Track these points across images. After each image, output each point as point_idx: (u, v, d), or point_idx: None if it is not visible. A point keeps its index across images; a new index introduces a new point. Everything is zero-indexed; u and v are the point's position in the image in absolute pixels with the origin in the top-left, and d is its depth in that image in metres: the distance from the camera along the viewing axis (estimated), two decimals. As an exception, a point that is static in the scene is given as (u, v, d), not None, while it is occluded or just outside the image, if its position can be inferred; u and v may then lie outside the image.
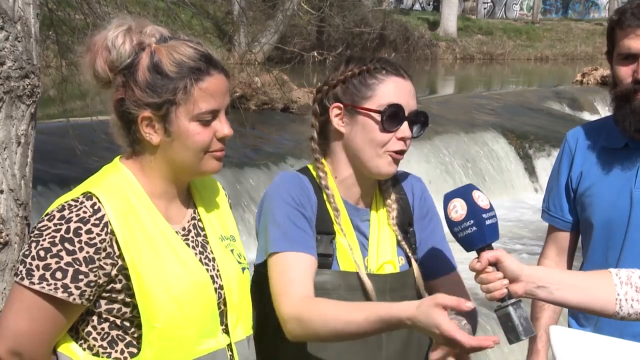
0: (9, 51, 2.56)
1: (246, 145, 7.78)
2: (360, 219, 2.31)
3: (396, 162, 2.27)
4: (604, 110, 14.99)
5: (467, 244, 2.11)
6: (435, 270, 2.38)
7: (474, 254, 2.13)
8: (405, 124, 2.25)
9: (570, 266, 2.88)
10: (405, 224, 2.37)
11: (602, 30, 34.46)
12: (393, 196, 2.36)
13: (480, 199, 2.11)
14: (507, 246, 8.38)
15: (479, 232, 2.08)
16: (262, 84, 10.61)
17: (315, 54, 14.38)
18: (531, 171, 11.51)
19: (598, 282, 2.20)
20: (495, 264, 2.10)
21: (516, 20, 38.48)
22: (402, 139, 2.25)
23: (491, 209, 2.12)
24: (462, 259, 2.32)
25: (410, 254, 2.34)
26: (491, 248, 2.12)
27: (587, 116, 14.44)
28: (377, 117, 2.23)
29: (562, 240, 2.85)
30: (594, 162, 2.74)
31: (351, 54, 2.37)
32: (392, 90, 2.25)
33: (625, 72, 2.59)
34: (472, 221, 2.08)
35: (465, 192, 2.12)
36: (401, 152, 2.27)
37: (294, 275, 2.16)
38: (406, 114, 2.25)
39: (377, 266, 2.26)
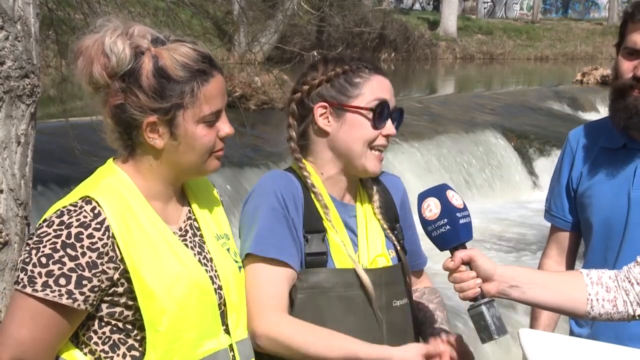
0: (9, 51, 2.56)
1: (246, 145, 7.77)
2: (348, 215, 2.31)
3: (380, 160, 2.28)
4: (604, 110, 14.95)
5: (441, 243, 2.12)
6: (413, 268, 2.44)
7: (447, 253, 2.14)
8: (390, 121, 2.27)
9: (572, 266, 2.88)
10: (392, 219, 2.37)
11: (602, 30, 34.68)
12: (376, 190, 2.37)
13: (454, 198, 2.13)
14: (506, 246, 8.38)
15: (452, 231, 2.10)
16: (262, 84, 10.61)
17: (315, 53, 14.35)
18: (531, 170, 11.51)
19: (570, 282, 2.21)
20: (469, 263, 2.11)
21: (516, 19, 38.50)
22: (387, 135, 2.27)
23: (465, 208, 2.13)
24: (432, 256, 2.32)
25: (399, 248, 2.35)
26: (465, 247, 2.13)
27: (587, 116, 14.44)
28: (369, 114, 2.23)
29: (564, 240, 2.86)
30: (593, 162, 2.73)
31: (326, 53, 2.35)
32: (377, 87, 2.26)
33: (627, 67, 2.58)
34: (446, 220, 2.10)
35: (439, 191, 2.14)
36: (383, 149, 2.29)
37: (269, 288, 2.15)
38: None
39: (370, 260, 2.27)
